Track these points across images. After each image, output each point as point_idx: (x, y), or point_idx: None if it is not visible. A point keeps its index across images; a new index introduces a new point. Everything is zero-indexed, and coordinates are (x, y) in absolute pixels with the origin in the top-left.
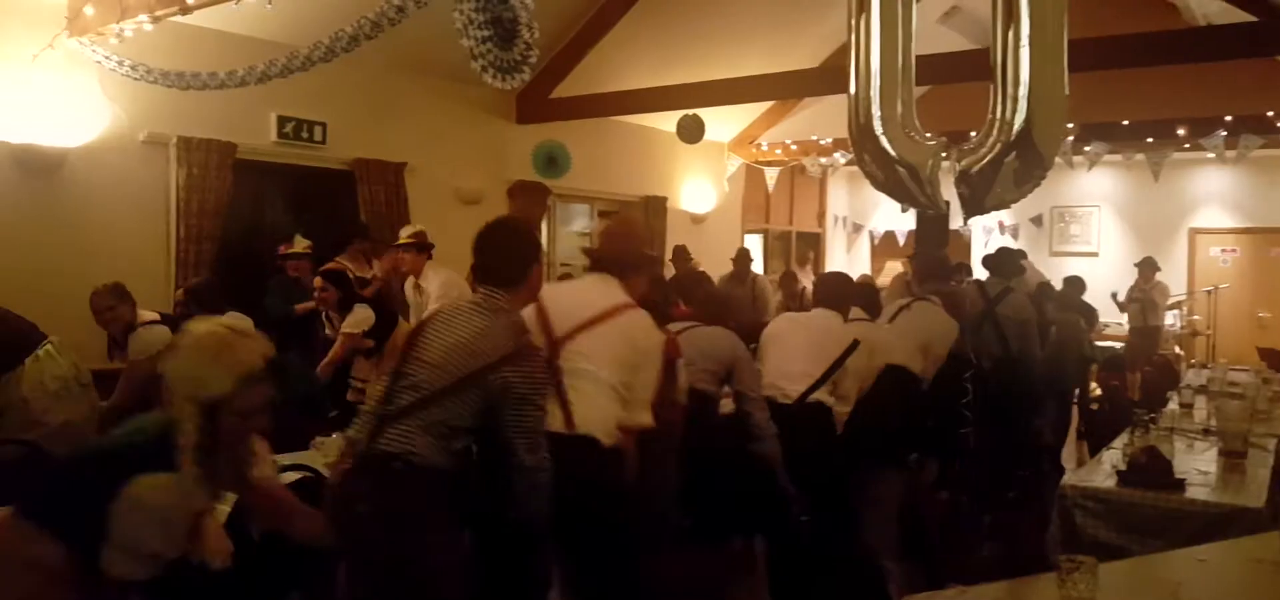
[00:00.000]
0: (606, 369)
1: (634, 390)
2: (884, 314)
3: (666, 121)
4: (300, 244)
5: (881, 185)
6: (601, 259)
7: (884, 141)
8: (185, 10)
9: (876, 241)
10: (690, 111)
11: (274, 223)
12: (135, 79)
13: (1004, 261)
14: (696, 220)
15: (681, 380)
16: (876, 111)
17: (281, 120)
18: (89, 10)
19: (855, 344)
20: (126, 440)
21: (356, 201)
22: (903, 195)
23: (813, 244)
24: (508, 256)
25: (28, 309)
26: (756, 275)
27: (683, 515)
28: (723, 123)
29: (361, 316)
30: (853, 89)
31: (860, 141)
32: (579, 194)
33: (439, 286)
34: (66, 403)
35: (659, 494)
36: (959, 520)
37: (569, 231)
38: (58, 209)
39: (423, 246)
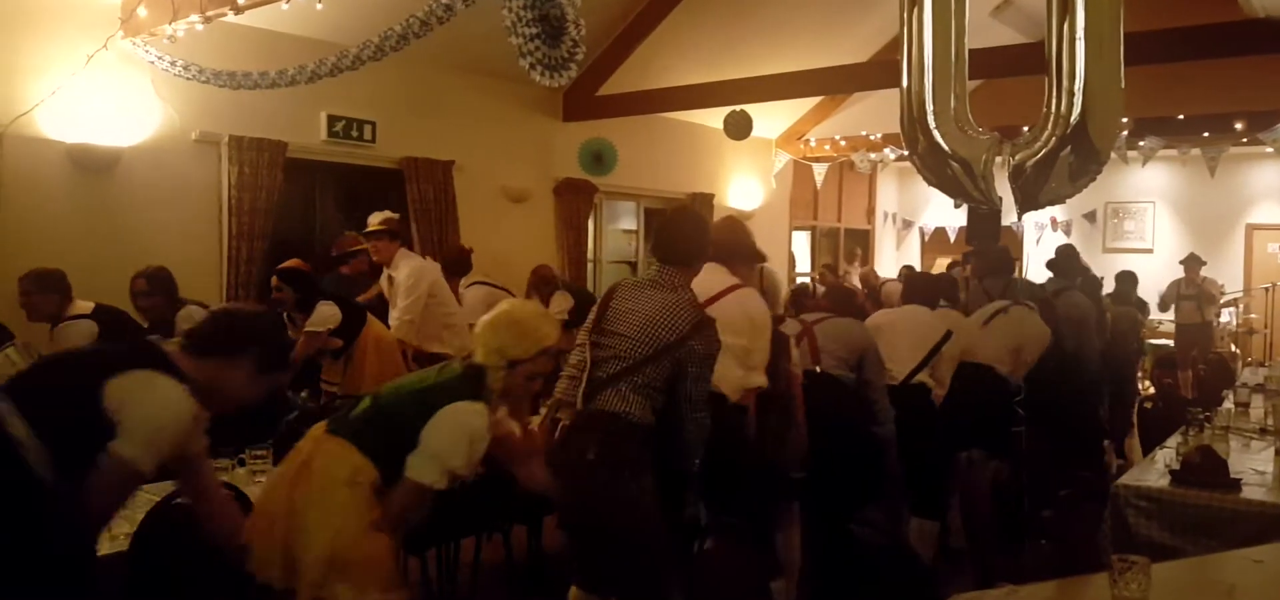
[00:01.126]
0: (730, 335)
1: (752, 356)
2: (978, 316)
3: (713, 118)
4: (361, 243)
5: (934, 181)
6: (717, 248)
7: (937, 136)
8: (236, 10)
9: (927, 238)
10: (737, 107)
11: (324, 221)
12: (187, 79)
13: (1065, 261)
14: (745, 217)
15: (794, 353)
16: (929, 106)
17: (331, 119)
18: (142, 11)
19: (949, 334)
20: (439, 380)
21: (406, 200)
22: (956, 191)
23: (862, 241)
24: (691, 243)
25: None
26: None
27: (803, 473)
28: (770, 118)
29: (325, 314)
30: (905, 83)
31: (912, 136)
32: (625, 191)
33: (408, 275)
34: None
35: (779, 447)
36: (1011, 518)
37: (614, 229)
38: (112, 207)
39: (394, 234)
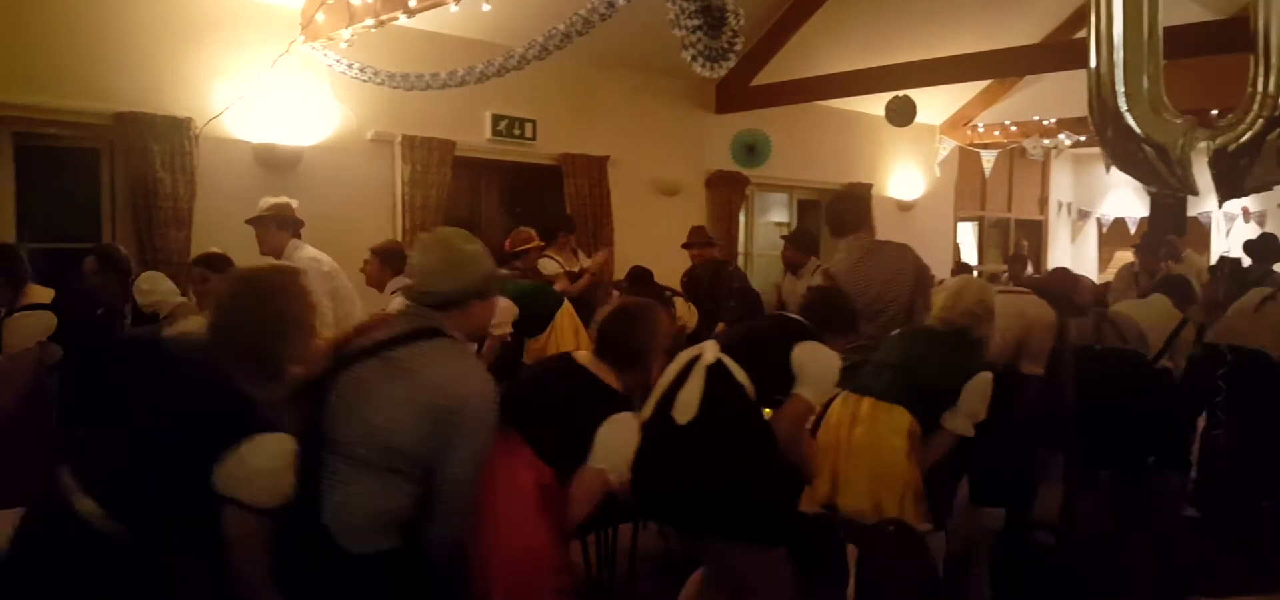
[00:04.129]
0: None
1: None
2: (1247, 301)
3: (872, 105)
4: (535, 239)
5: (1126, 166)
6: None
7: (1129, 120)
8: (408, 13)
9: (1104, 230)
10: (900, 93)
11: (488, 216)
12: (363, 81)
13: (1265, 248)
14: (904, 208)
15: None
16: (1121, 88)
17: (495, 118)
18: (320, 17)
19: (1185, 321)
20: (962, 351)
21: (563, 195)
22: (1149, 177)
23: (1033, 232)
24: (861, 207)
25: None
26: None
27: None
28: (934, 103)
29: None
30: (1094, 64)
31: (1102, 121)
32: (778, 183)
33: (306, 262)
34: None
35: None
36: (1203, 529)
37: (766, 222)
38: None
39: (284, 221)
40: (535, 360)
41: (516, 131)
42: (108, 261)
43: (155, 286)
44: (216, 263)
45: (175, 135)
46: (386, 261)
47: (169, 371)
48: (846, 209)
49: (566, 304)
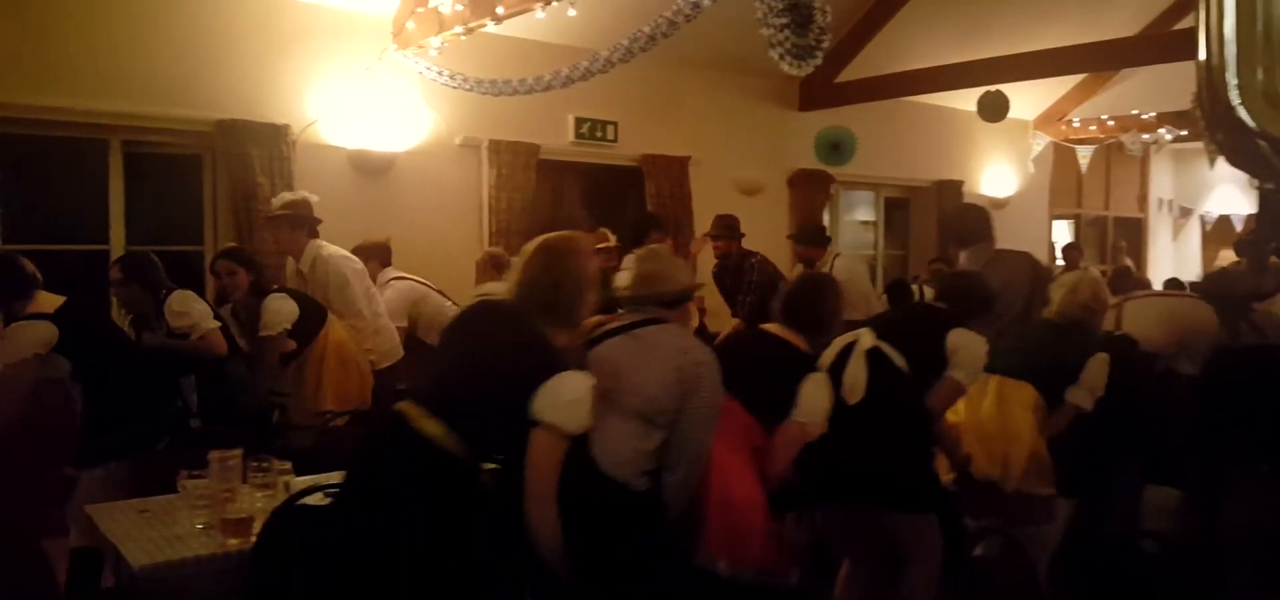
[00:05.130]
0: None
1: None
2: None
3: (962, 100)
4: (610, 239)
5: (1237, 161)
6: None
7: (1242, 113)
8: (495, 20)
9: (1208, 227)
10: (993, 87)
11: (571, 218)
12: (452, 87)
13: None
14: (997, 205)
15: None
16: (1232, 80)
17: (578, 121)
18: (411, 24)
19: None
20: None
21: (644, 196)
22: (1263, 172)
23: (1132, 231)
24: (982, 220)
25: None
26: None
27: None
28: (1027, 98)
29: (279, 311)
30: (1203, 56)
31: (1212, 114)
32: (864, 180)
33: (338, 260)
34: None
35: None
36: None
37: (852, 220)
38: (388, 206)
39: (298, 220)
40: (731, 334)
41: (598, 133)
42: (133, 270)
43: (188, 308)
44: (241, 257)
45: (273, 141)
46: (371, 256)
47: (492, 320)
48: (969, 221)
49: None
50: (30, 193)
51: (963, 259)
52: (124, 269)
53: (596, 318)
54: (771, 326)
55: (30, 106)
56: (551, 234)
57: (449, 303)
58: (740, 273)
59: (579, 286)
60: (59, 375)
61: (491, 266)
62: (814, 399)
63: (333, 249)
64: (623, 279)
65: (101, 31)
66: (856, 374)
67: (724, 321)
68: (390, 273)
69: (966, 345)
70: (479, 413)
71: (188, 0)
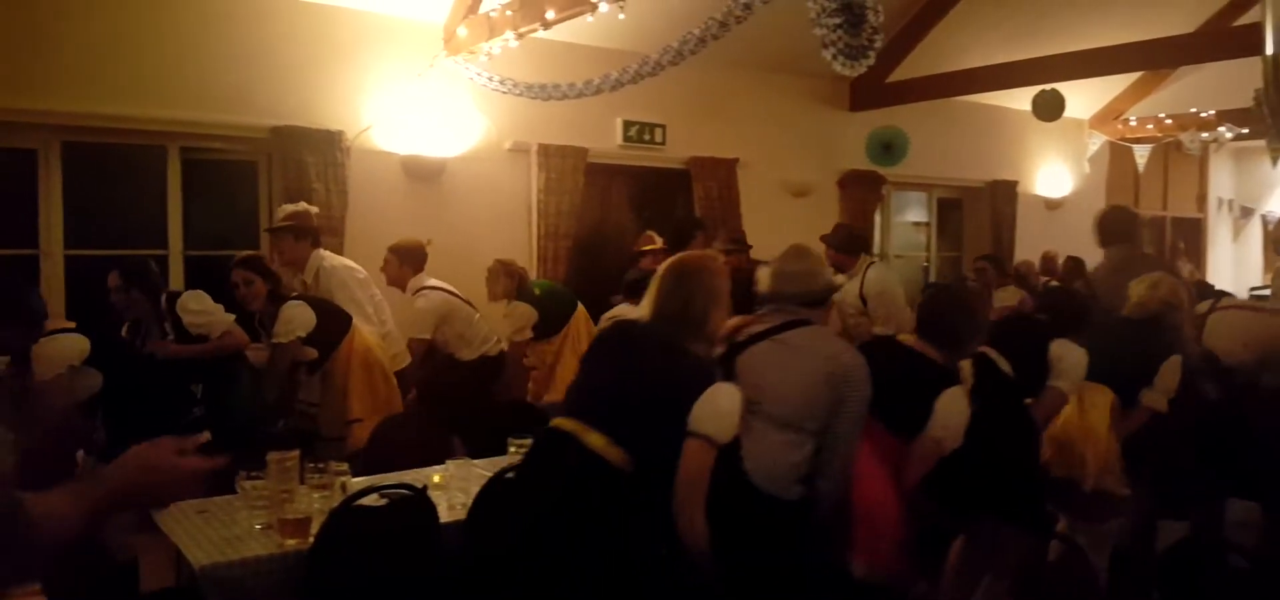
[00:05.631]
0: None
1: None
2: None
3: (1015, 99)
4: (657, 241)
5: None
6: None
7: None
8: (545, 25)
9: (1270, 228)
10: (1048, 86)
11: (618, 221)
12: (502, 92)
13: None
14: (1052, 206)
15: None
16: None
17: (626, 124)
18: (462, 31)
19: None
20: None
21: (691, 198)
22: None
23: (1191, 231)
24: (1129, 222)
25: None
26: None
27: None
28: (1082, 97)
29: (294, 319)
30: (1270, 50)
31: (1277, 107)
32: (916, 181)
33: (343, 271)
34: None
35: None
36: None
37: (903, 222)
38: (439, 210)
39: (302, 231)
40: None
41: (647, 136)
42: (133, 277)
43: (204, 306)
44: (258, 265)
45: (328, 148)
46: (406, 260)
47: (640, 340)
48: (1116, 221)
49: (580, 308)
50: (93, 199)
51: (1104, 257)
52: (124, 276)
53: (737, 320)
54: (907, 338)
55: (92, 114)
56: (682, 253)
57: (477, 314)
58: (750, 286)
59: (709, 302)
60: (92, 389)
61: (504, 275)
62: (950, 414)
63: (335, 259)
64: (763, 277)
65: (161, 41)
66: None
67: None
68: (422, 281)
69: (1068, 355)
70: (639, 425)
71: (244, 10)
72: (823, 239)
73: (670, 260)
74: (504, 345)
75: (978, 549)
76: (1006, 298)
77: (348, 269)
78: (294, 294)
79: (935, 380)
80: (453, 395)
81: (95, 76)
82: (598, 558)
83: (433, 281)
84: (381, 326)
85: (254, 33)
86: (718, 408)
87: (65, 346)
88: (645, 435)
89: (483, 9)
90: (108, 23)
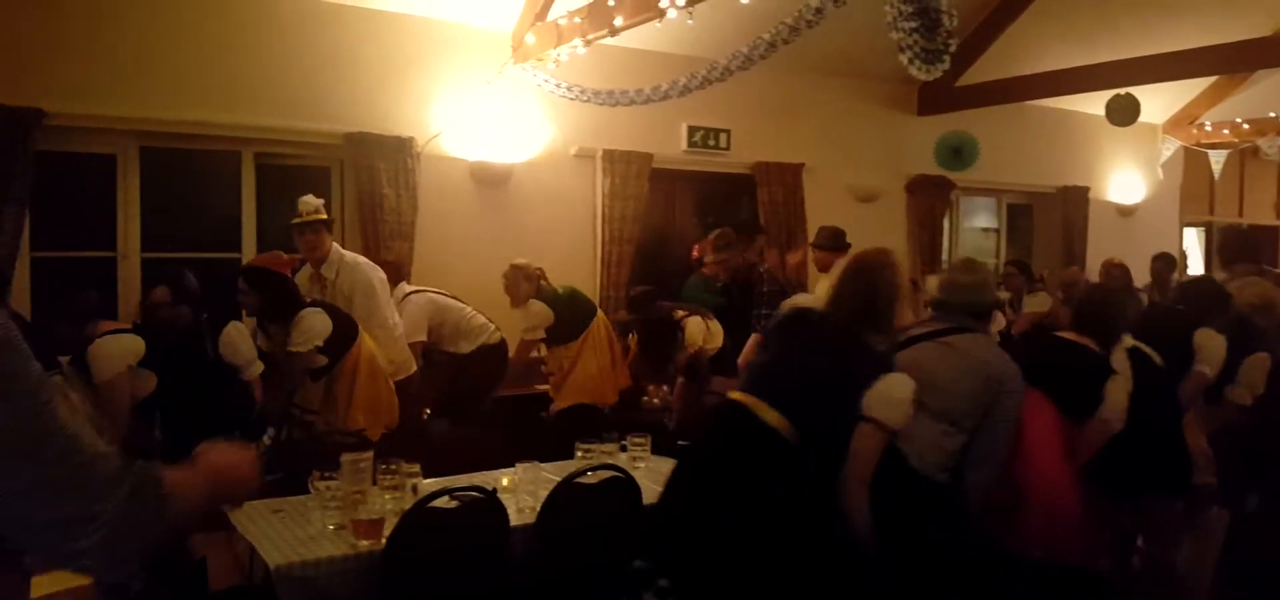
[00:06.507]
0: None
1: None
2: None
3: (1088, 104)
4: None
5: None
6: None
7: None
8: (614, 32)
9: None
10: (1122, 90)
11: (682, 226)
12: (570, 99)
13: None
14: (1124, 213)
15: None
16: None
17: (691, 130)
18: (531, 39)
19: None
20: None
21: (756, 203)
22: None
23: (1269, 239)
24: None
25: (483, 302)
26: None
27: None
28: (1156, 101)
29: (311, 326)
30: None
31: None
32: (985, 186)
33: (366, 267)
34: None
35: None
36: None
37: (972, 228)
38: (506, 216)
39: (329, 224)
40: (1026, 333)
41: (712, 142)
42: (181, 290)
43: (239, 344)
44: (252, 276)
45: (399, 154)
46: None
47: (818, 327)
48: (1236, 243)
49: (600, 314)
50: (169, 202)
51: (1223, 276)
52: (175, 290)
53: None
54: (1067, 333)
55: (170, 120)
56: (866, 249)
57: (471, 310)
58: (749, 285)
59: (893, 296)
60: (149, 389)
61: (523, 279)
62: (1117, 398)
63: (356, 255)
64: (932, 284)
65: (237, 49)
66: (1123, 372)
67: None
68: (405, 288)
69: (1210, 342)
70: (814, 407)
71: (319, 19)
72: (811, 243)
73: (853, 255)
74: (501, 334)
75: (1159, 523)
76: (1036, 304)
77: (369, 265)
78: (310, 300)
79: (1097, 369)
80: (462, 389)
81: (173, 83)
82: (769, 520)
83: (413, 287)
84: (397, 327)
85: (328, 41)
86: (892, 396)
87: (123, 346)
88: (817, 415)
89: (551, 16)
90: (186, 31)
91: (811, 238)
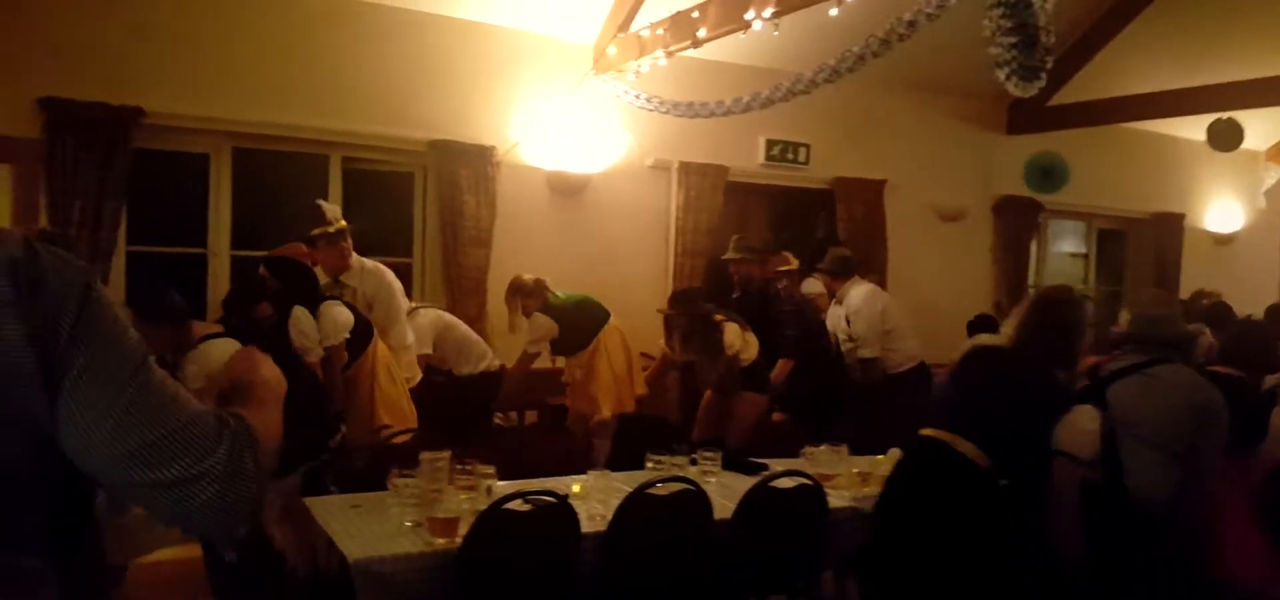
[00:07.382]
0: None
1: None
2: None
3: (1185, 127)
4: (792, 262)
5: None
6: None
7: None
8: (697, 44)
9: None
10: (1224, 115)
11: (756, 240)
12: (649, 110)
13: None
14: (1221, 242)
15: None
16: None
17: (769, 143)
18: (612, 50)
19: None
20: None
21: (834, 219)
22: None
23: None
24: None
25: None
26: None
27: None
28: (1259, 127)
29: (337, 318)
30: None
31: None
32: (1074, 210)
33: (391, 278)
34: None
35: None
36: None
37: (1060, 252)
38: (581, 225)
39: (350, 234)
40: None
41: (790, 156)
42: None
43: (307, 328)
44: (276, 265)
45: (480, 162)
46: None
47: (1006, 363)
48: None
49: (613, 321)
50: (258, 202)
51: None
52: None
53: (1093, 358)
54: (1218, 367)
55: (262, 122)
56: (1050, 287)
57: (475, 335)
58: (766, 302)
59: (1079, 332)
60: None
61: (527, 292)
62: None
63: (375, 262)
64: (1125, 318)
65: (327, 55)
66: None
67: None
68: (407, 303)
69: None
70: (1007, 438)
71: (405, 28)
72: (817, 268)
73: (1040, 292)
74: (502, 363)
75: None
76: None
77: (387, 270)
78: (330, 295)
79: (1251, 399)
80: (452, 412)
81: (266, 86)
82: (973, 549)
83: (416, 303)
84: (410, 334)
85: (414, 49)
86: (1080, 427)
87: (222, 350)
88: (1010, 445)
89: (633, 28)
90: (278, 36)
91: (822, 263)
